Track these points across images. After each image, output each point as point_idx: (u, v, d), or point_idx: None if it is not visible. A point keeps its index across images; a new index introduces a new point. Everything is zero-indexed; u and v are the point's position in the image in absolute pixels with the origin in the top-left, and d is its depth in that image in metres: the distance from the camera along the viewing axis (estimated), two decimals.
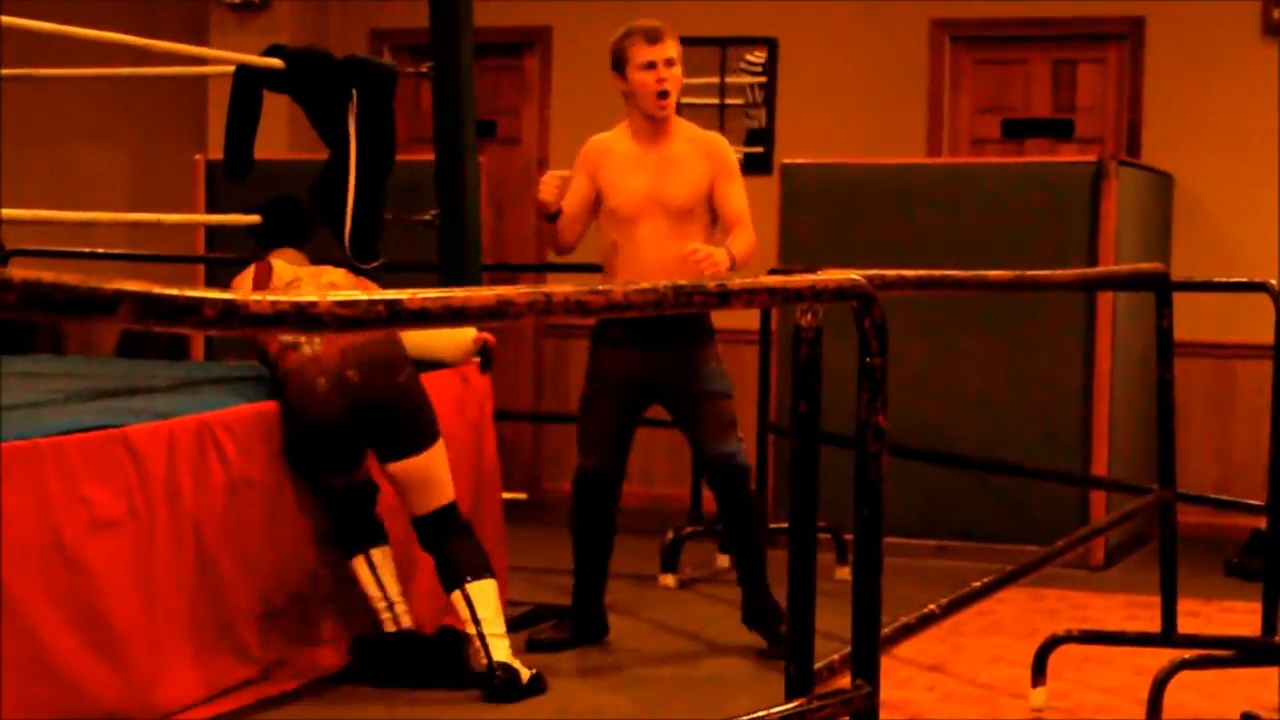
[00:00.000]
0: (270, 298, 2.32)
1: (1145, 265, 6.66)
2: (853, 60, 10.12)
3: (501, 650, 5.84)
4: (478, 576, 5.91)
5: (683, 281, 2.96)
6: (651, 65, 6.47)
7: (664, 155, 6.52)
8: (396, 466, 5.92)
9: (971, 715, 5.78)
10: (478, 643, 5.85)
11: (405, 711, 5.63)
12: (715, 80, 10.25)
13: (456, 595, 5.90)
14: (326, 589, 6.07)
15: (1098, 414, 8.53)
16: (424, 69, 7.43)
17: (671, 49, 6.50)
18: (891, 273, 3.87)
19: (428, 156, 7.60)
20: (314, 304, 2.35)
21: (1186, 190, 9.59)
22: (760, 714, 3.27)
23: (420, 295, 2.49)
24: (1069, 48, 9.93)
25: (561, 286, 2.73)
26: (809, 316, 3.42)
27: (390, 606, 6.03)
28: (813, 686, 3.43)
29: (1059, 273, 5.61)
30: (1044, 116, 9.96)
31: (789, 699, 3.40)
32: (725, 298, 3.06)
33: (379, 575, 6.02)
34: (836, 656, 3.59)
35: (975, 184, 8.81)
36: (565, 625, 6.70)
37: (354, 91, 6.97)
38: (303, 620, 5.96)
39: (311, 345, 5.86)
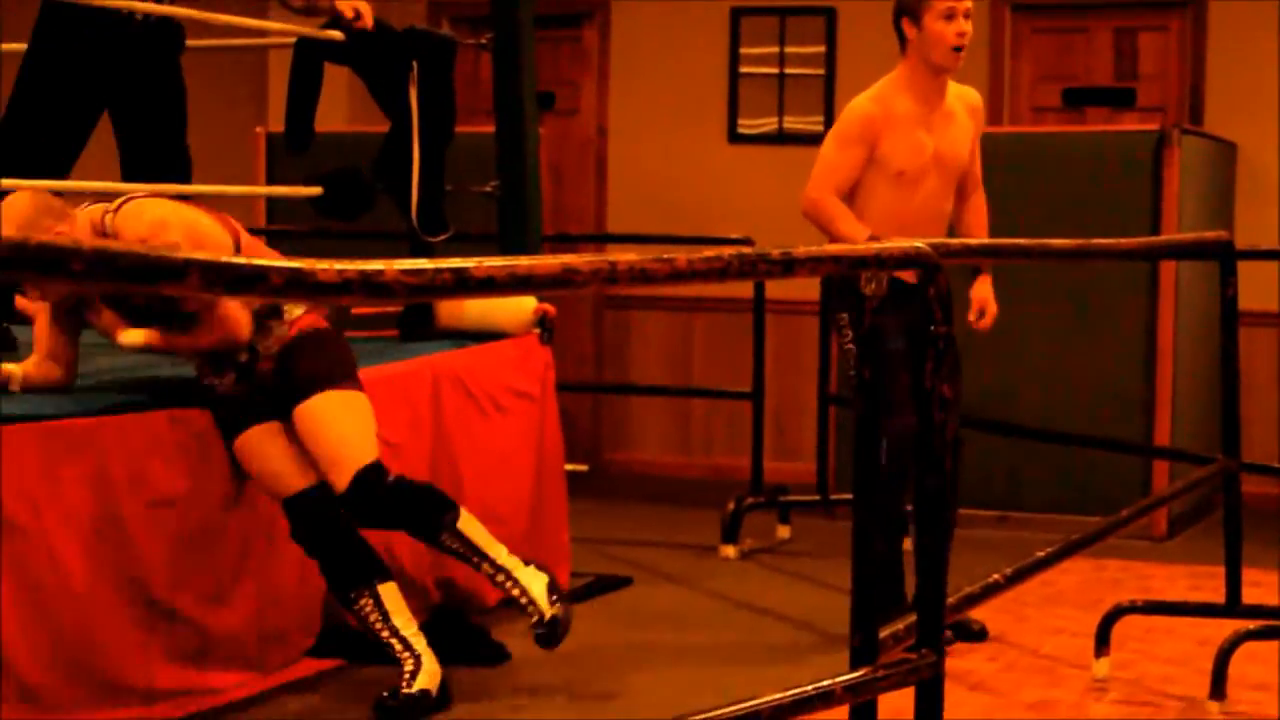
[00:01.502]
0: (337, 266, 2.32)
1: (1209, 234, 6.61)
2: None
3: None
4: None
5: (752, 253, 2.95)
6: (952, 15, 6.11)
7: (943, 113, 6.28)
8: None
9: (1034, 685, 5.77)
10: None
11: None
12: (775, 50, 10.24)
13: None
14: (444, 556, 6.08)
15: (1160, 384, 8.49)
16: (483, 40, 7.43)
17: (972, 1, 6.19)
18: (956, 241, 3.86)
19: (487, 128, 7.59)
20: (380, 272, 2.36)
21: (1249, 159, 9.52)
22: (826, 683, 3.27)
23: (486, 264, 2.49)
24: (1130, 15, 9.86)
25: (626, 255, 2.73)
26: (873, 285, 3.41)
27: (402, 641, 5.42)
28: (877, 656, 3.43)
29: (1123, 242, 5.58)
30: (1105, 85, 9.90)
31: (854, 668, 3.40)
32: (790, 265, 3.05)
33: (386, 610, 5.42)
34: (901, 625, 3.58)
35: (1036, 153, 8.76)
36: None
37: (414, 63, 6.97)
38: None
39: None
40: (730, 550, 7.83)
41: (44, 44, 6.13)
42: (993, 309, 6.42)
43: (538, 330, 6.83)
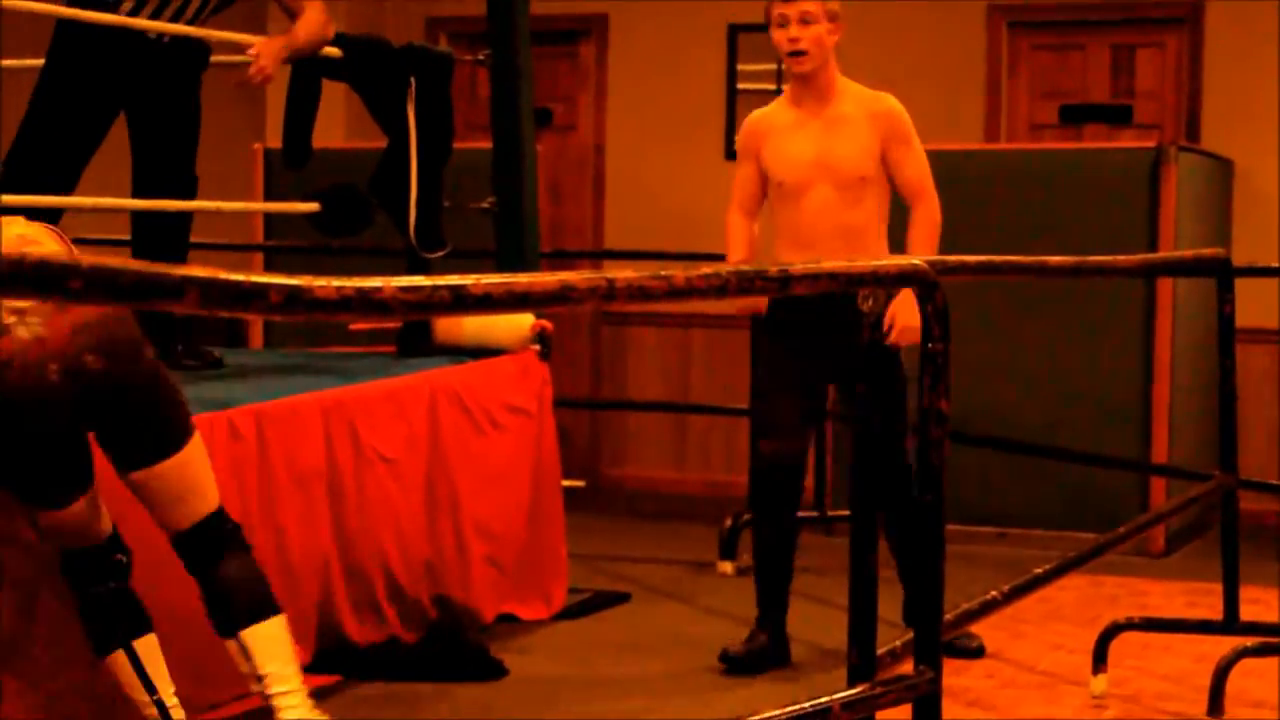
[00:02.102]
0: (334, 283, 2.32)
1: (1206, 250, 6.62)
2: (910, 46, 10.08)
3: (296, 708, 4.57)
4: (259, 617, 4.57)
5: (744, 268, 2.95)
6: (783, 23, 6.10)
7: (829, 119, 6.15)
8: (147, 473, 4.49)
9: (1031, 702, 5.77)
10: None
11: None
12: (773, 66, 10.24)
13: (232, 644, 4.58)
14: (440, 573, 6.13)
15: (1158, 400, 8.49)
16: (481, 57, 7.44)
17: (809, 5, 6.08)
18: (953, 258, 3.86)
19: (485, 144, 7.60)
20: (378, 289, 2.36)
21: (1247, 175, 9.53)
22: (824, 700, 3.26)
23: (484, 281, 2.49)
24: (1128, 32, 9.87)
25: (623, 272, 2.73)
26: (870, 302, 3.41)
27: (162, 708, 4.58)
28: (875, 672, 3.43)
29: (1120, 258, 5.58)
30: (1103, 102, 9.91)
31: (851, 685, 3.40)
32: (786, 283, 3.05)
33: (145, 671, 4.60)
34: (899, 643, 3.58)
35: (1033, 170, 8.77)
36: (758, 639, 6.28)
37: (412, 80, 6.98)
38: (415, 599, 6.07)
39: (30, 326, 4.24)
40: (728, 566, 7.82)
41: (62, 55, 6.12)
42: (902, 322, 5.73)
43: (535, 346, 6.83)
